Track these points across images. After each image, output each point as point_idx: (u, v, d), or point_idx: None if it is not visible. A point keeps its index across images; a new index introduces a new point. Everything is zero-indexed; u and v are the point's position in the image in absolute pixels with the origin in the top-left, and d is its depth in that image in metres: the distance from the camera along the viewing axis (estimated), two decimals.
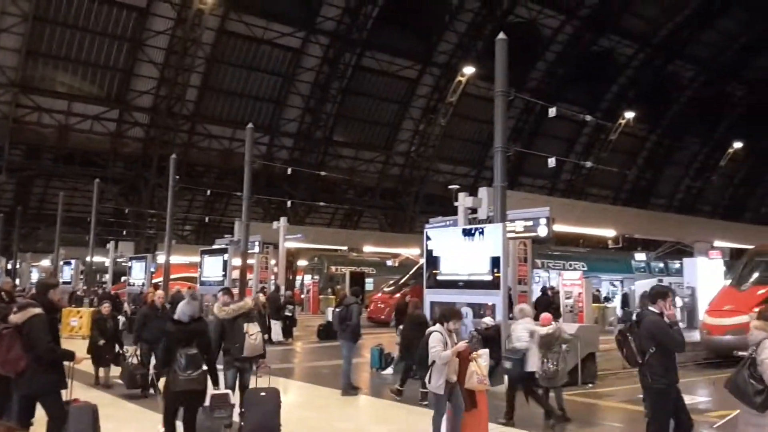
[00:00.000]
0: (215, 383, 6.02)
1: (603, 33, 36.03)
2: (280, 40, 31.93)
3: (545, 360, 8.42)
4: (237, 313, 7.36)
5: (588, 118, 24.08)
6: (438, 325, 6.64)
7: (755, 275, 15.02)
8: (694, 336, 16.40)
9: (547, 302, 18.06)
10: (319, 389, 10.38)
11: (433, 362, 6.31)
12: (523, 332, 8.56)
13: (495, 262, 12.07)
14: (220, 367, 6.53)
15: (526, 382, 8.41)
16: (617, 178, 40.89)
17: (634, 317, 6.56)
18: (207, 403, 5.85)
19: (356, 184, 37.74)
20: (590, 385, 10.90)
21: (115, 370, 9.90)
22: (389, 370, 11.92)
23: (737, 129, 42.40)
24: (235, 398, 6.71)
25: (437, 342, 6.35)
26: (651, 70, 38.41)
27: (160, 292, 8.02)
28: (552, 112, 15.83)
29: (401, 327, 12.13)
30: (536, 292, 18.77)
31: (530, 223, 14.62)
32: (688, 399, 9.92)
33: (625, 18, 35.74)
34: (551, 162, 16.26)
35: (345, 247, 30.97)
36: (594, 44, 36.63)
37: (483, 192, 14.66)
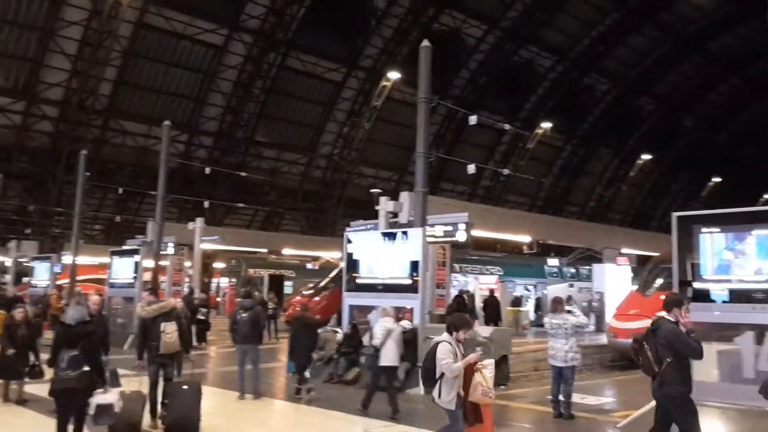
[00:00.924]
0: (102, 383, 6.22)
1: (523, 44, 37.15)
2: (202, 37, 31.13)
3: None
4: (157, 313, 7.72)
5: (507, 127, 24.72)
6: (446, 334, 6.10)
7: (659, 281, 15.77)
8: (602, 339, 17.08)
9: (461, 305, 18.40)
10: (232, 394, 10.11)
11: (442, 374, 5.84)
12: (380, 330, 9.32)
13: (414, 266, 12.17)
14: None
15: (384, 376, 9.16)
16: (534, 186, 42.19)
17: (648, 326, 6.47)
18: (92, 411, 6.02)
19: (278, 185, 37.25)
20: (503, 386, 11.13)
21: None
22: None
23: (646, 141, 44.65)
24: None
25: (447, 353, 5.84)
26: (568, 83, 39.91)
27: (95, 297, 7.66)
28: (472, 120, 16.13)
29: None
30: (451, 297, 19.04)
31: (450, 228, 14.86)
32: (594, 400, 10.33)
33: (545, 31, 36.98)
34: (471, 168, 16.59)
35: (265, 250, 30.52)
36: (515, 55, 37.70)
37: (404, 196, 14.77)
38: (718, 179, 48.15)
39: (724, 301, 8.85)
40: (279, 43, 32.40)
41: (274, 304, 20.30)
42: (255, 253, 30.39)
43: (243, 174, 29.66)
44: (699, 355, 6.13)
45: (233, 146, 34.43)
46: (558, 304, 9.44)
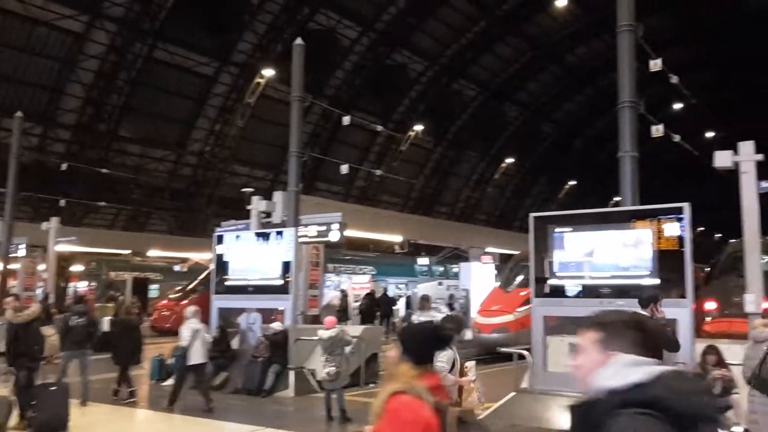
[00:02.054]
0: None
1: (396, 48, 37.91)
2: (61, 23, 28.96)
3: (326, 363, 8.59)
4: (31, 318, 7.89)
5: (380, 128, 25.15)
6: None
7: (519, 278, 16.73)
8: (468, 334, 17.80)
9: (373, 301, 18.88)
10: (88, 405, 9.54)
11: None
12: (186, 332, 9.75)
13: (286, 266, 12.07)
14: None
15: (193, 374, 9.70)
16: (406, 187, 43.20)
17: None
18: None
19: (144, 183, 35.49)
20: (372, 384, 11.31)
21: None
22: (170, 381, 11.32)
23: (510, 146, 47.07)
24: None
25: (447, 360, 5.59)
26: (438, 87, 41.22)
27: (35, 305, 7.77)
28: (346, 120, 16.30)
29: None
30: (327, 296, 19.11)
31: (323, 228, 14.92)
32: None
33: (417, 36, 37.95)
34: (344, 169, 16.76)
35: (128, 251, 29.03)
36: (388, 58, 38.39)
37: (278, 196, 14.63)
38: (573, 182, 51.75)
39: (576, 296, 9.57)
40: (145, 34, 30.86)
41: (137, 309, 19.34)
42: (117, 254, 28.81)
43: (105, 171, 27.99)
44: (677, 349, 6.49)
45: (94, 141, 32.36)
46: (425, 302, 9.76)
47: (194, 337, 9.67)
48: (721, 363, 6.98)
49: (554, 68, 43.81)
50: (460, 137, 44.84)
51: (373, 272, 24.21)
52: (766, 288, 10.50)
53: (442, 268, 27.38)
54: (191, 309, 10.38)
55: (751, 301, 9.95)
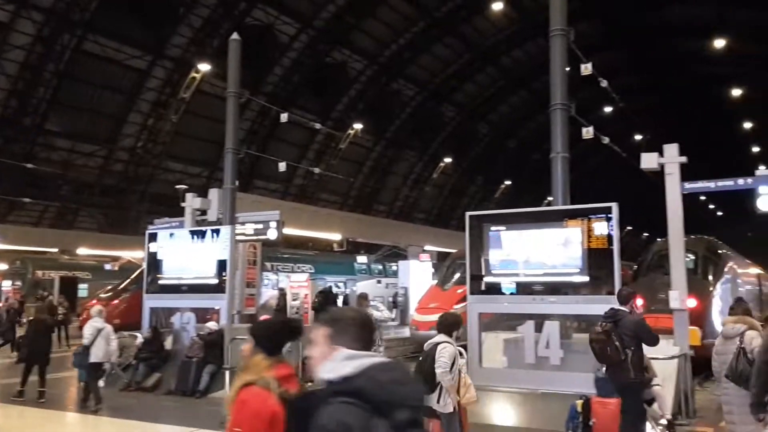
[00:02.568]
0: None
1: (336, 46, 37.80)
2: None
3: None
4: None
5: (318, 126, 25.03)
6: (443, 336, 5.77)
7: (456, 276, 16.97)
8: (405, 332, 17.96)
9: (328, 298, 19.04)
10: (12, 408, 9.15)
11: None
12: (88, 330, 9.99)
13: (222, 265, 11.88)
14: None
15: (91, 371, 9.84)
16: (345, 185, 43.16)
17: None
18: None
19: (72, 179, 34.16)
20: (309, 383, 11.26)
21: None
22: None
23: (447, 145, 47.70)
24: None
25: (449, 357, 5.56)
26: (377, 86, 41.34)
27: None
28: (284, 117, 16.15)
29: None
30: (265, 295, 18.92)
31: (261, 226, 14.72)
32: None
33: (356, 34, 37.95)
34: (281, 166, 16.59)
35: (56, 249, 27.93)
36: (328, 56, 38.24)
37: (213, 193, 14.36)
38: (509, 182, 52.89)
39: (511, 293, 9.79)
40: (75, 25, 29.70)
41: (65, 309, 18.69)
42: (44, 253, 27.67)
43: (30, 166, 26.79)
44: (657, 343, 6.72)
45: (19, 135, 30.90)
46: (363, 300, 9.79)
47: (97, 336, 9.87)
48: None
49: (491, 70, 44.64)
50: (399, 136, 45.13)
51: (311, 270, 24.06)
52: (689, 285, 11.01)
53: (380, 267, 27.51)
54: (96, 308, 10.60)
55: (675, 298, 10.39)
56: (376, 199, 47.43)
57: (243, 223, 14.41)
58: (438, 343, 5.67)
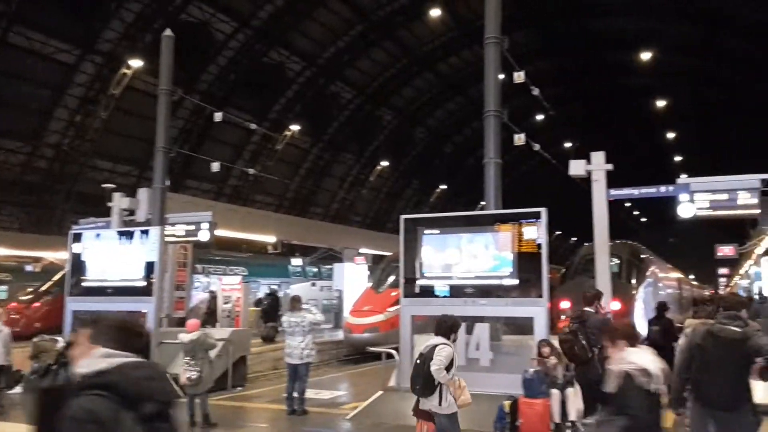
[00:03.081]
0: None
1: (274, 46, 37.40)
2: None
3: (188, 367, 8.31)
4: None
5: (254, 126, 24.69)
6: (441, 338, 5.87)
7: (390, 279, 17.07)
8: (339, 335, 17.91)
9: (275, 300, 18.86)
10: None
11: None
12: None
13: (150, 267, 11.54)
14: None
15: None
16: (281, 187, 42.74)
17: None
18: None
19: None
20: (240, 388, 11.07)
21: None
22: (17, 389, 10.46)
23: (385, 149, 47.94)
24: None
25: (447, 358, 5.60)
26: (316, 88, 41.14)
27: None
28: (218, 117, 15.87)
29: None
30: (195, 298, 18.51)
31: (192, 227, 14.37)
32: (328, 394, 10.76)
33: (294, 35, 37.65)
34: (215, 167, 16.29)
35: None
36: (265, 56, 37.78)
37: (142, 193, 13.98)
38: (444, 186, 53.59)
39: (445, 296, 9.88)
40: None
41: None
42: None
43: None
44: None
45: None
46: (296, 302, 9.68)
47: None
48: (554, 354, 7.60)
49: (428, 75, 45.15)
50: (336, 139, 45.02)
51: (244, 273, 23.68)
52: (613, 288, 11.41)
53: (315, 269, 27.35)
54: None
55: None
56: (313, 201, 47.16)
57: (173, 224, 14.04)
58: (436, 345, 5.75)
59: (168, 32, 12.95)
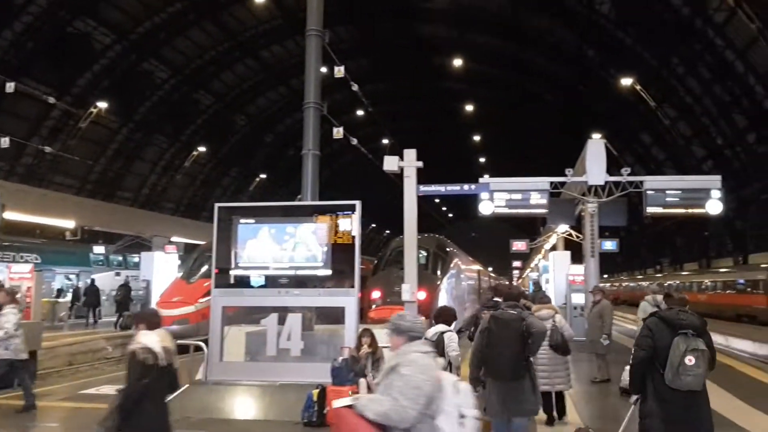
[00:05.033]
0: None
1: (79, 15, 34.26)
2: None
3: None
4: None
5: (53, 100, 22.56)
6: (444, 325, 6.54)
7: (204, 269, 16.52)
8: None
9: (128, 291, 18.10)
10: None
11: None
12: None
13: None
14: None
15: None
16: (85, 168, 39.45)
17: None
18: None
19: None
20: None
21: None
22: None
23: (202, 134, 46.15)
24: None
25: (457, 342, 6.41)
26: (127, 64, 38.39)
27: None
28: (9, 87, 14.36)
29: None
30: None
31: None
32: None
33: (104, 6, 34.80)
34: (5, 142, 14.68)
35: None
36: (69, 25, 34.48)
37: None
38: (264, 176, 52.94)
39: (261, 286, 9.77)
40: None
41: None
42: None
43: None
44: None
45: None
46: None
47: None
48: (373, 344, 7.90)
49: (250, 62, 44.20)
50: (148, 120, 42.41)
51: (37, 261, 21.51)
52: (420, 279, 12.07)
53: (121, 258, 25.63)
54: None
55: (406, 290, 11.32)
56: (121, 185, 44.06)
57: None
58: (443, 332, 6.45)
59: None
